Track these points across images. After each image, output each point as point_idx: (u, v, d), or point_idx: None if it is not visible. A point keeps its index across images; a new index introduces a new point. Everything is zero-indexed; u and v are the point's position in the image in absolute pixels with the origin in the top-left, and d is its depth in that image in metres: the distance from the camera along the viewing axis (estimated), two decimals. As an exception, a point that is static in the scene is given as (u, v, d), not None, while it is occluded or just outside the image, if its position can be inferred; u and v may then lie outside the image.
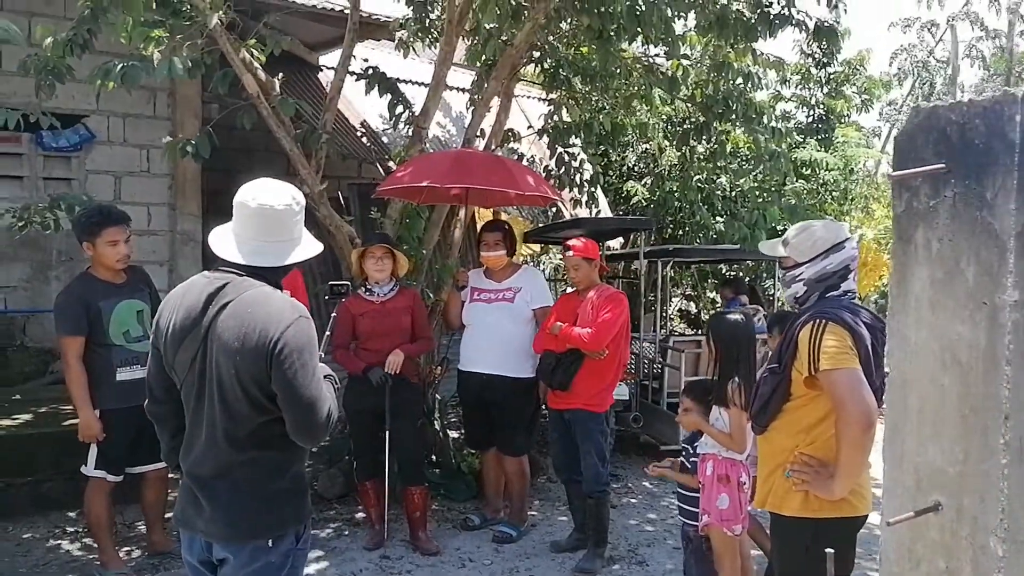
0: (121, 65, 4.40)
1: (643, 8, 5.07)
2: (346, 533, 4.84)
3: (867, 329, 2.57)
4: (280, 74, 5.43)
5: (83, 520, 4.44)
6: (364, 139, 8.72)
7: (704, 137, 6.21)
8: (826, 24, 5.44)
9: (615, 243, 10.07)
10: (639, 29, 5.28)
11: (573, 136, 6.70)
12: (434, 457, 5.59)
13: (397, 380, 4.44)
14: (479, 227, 5.77)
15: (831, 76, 14.85)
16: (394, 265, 4.59)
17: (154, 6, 4.59)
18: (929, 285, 1.28)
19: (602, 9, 5.08)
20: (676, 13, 5.47)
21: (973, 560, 1.28)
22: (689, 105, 6.25)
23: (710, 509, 3.57)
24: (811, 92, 15.31)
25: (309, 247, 2.35)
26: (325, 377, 2.28)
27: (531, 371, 4.74)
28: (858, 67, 15.32)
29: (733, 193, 8.25)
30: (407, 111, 5.89)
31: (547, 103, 7.06)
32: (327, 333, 2.89)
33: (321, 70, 9.24)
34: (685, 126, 6.36)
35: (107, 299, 4.03)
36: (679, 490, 3.85)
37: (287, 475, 2.30)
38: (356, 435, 4.75)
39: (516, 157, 6.63)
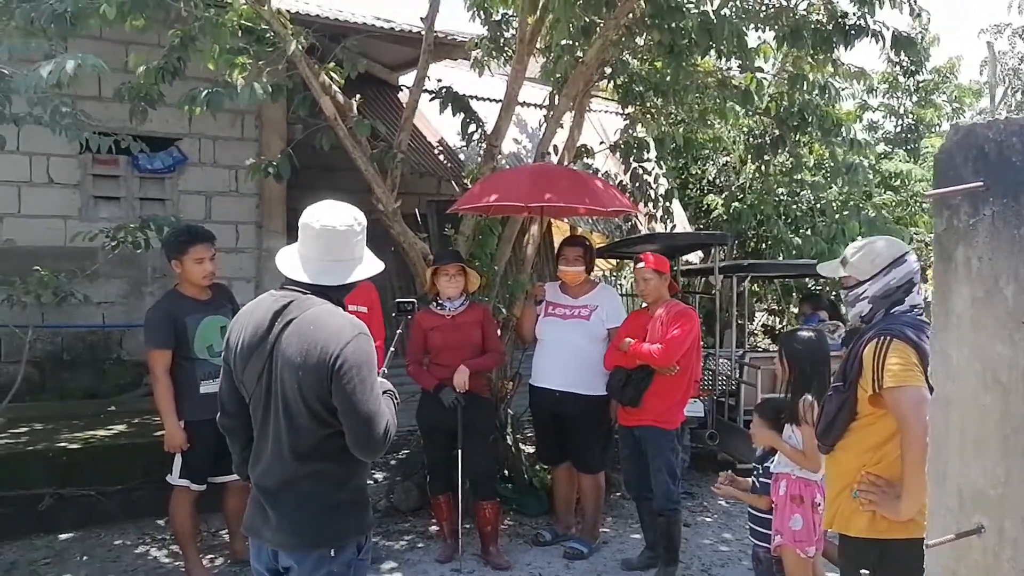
0: (206, 91, 4.65)
1: (714, 22, 5.05)
2: (420, 546, 4.91)
3: None
4: (358, 95, 5.63)
5: (170, 528, 4.65)
6: (441, 156, 8.91)
7: (781, 150, 6.10)
8: (904, 35, 5.30)
9: (694, 258, 9.98)
10: (711, 43, 5.26)
11: (647, 151, 6.70)
12: (506, 472, 5.64)
13: (468, 398, 4.50)
14: (556, 242, 5.81)
15: (920, 84, 14.33)
16: (466, 281, 4.68)
17: (239, 33, 4.82)
18: (970, 304, 1.25)
19: (673, 24, 5.09)
20: (749, 26, 5.42)
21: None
22: (764, 118, 6.16)
23: (783, 530, 3.50)
24: (899, 101, 14.83)
25: (371, 265, 2.44)
26: (384, 392, 2.36)
27: (604, 388, 4.72)
28: (948, 75, 14.74)
29: (815, 207, 8.05)
30: (479, 129, 6.00)
31: (623, 117, 7.09)
32: (391, 349, 2.98)
33: (401, 90, 9.50)
34: (761, 140, 6.24)
35: (193, 315, 4.23)
36: (750, 510, 3.78)
37: (348, 487, 2.38)
38: (429, 451, 4.83)
39: (591, 172, 6.67)
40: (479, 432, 4.63)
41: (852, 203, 5.75)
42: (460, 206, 5.02)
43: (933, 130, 14.65)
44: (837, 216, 5.73)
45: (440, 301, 4.68)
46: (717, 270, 6.55)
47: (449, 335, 4.61)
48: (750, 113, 6.17)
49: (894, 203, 12.77)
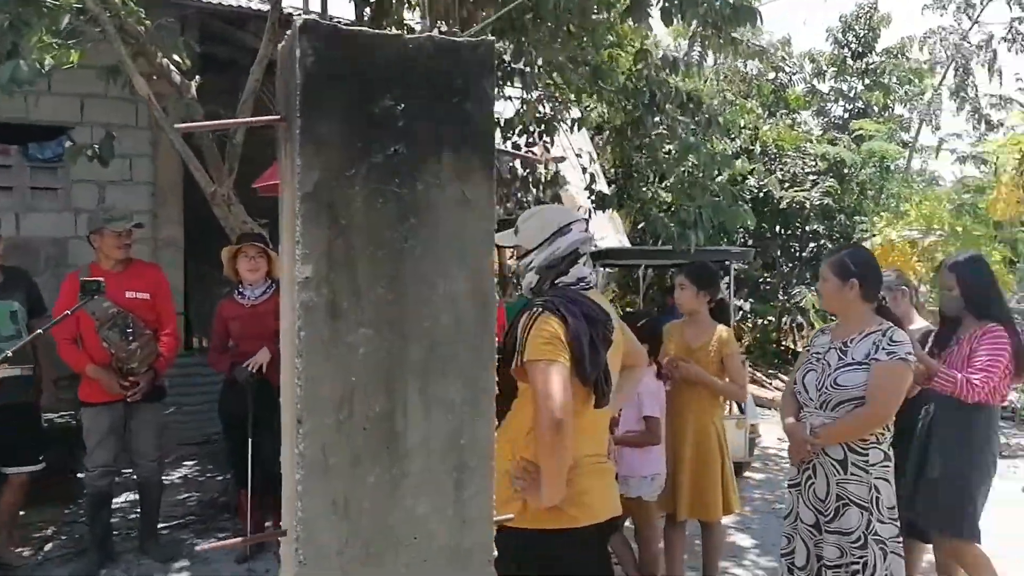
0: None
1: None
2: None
3: (587, 320, 2.34)
4: (198, 77, 5.51)
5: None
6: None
7: (642, 131, 5.91)
8: (744, 3, 5.03)
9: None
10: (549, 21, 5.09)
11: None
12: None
13: (262, 384, 4.36)
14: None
15: (868, 67, 14.06)
16: (269, 265, 4.54)
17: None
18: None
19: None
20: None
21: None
22: (622, 98, 5.97)
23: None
24: (849, 84, 14.56)
25: None
26: None
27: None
28: (898, 56, 14.45)
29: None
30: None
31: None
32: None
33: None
34: (623, 122, 6.05)
35: (-20, 299, 4.15)
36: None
37: None
38: (228, 442, 4.67)
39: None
40: (272, 422, 4.47)
41: (698, 185, 5.55)
42: (258, 183, 4.86)
43: (884, 113, 14.38)
44: (696, 200, 5.53)
45: (241, 289, 4.53)
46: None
47: (248, 325, 4.44)
48: (610, 93, 5.96)
49: (837, 191, 12.57)
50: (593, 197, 6.14)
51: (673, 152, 5.59)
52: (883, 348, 3.04)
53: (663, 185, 6.09)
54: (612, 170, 11.17)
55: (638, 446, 3.84)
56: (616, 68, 5.62)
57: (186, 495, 5.84)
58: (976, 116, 15.29)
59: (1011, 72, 18.77)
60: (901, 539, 3.11)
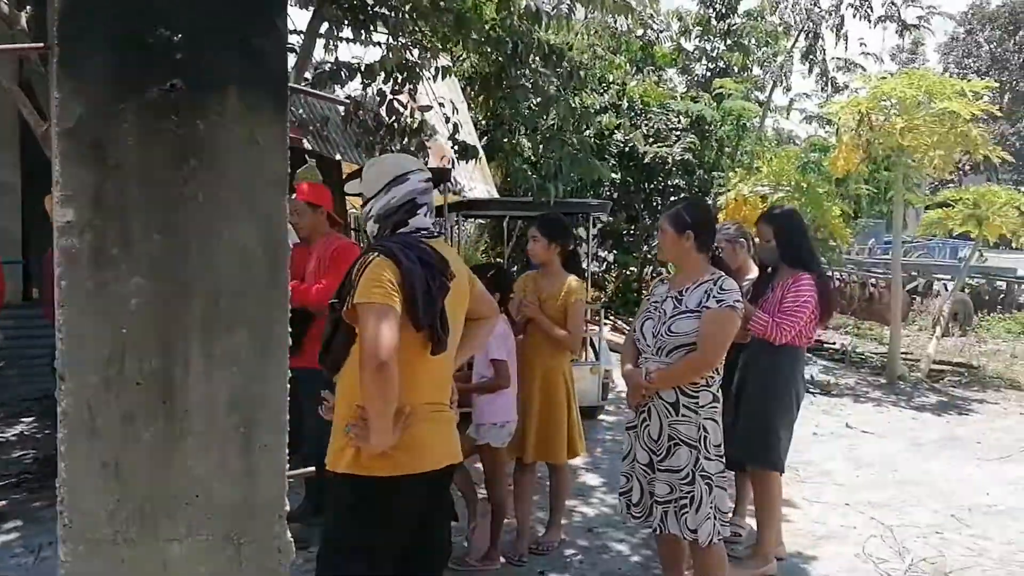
0: None
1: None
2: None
3: (423, 266, 2.31)
4: (29, 8, 5.02)
5: None
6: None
7: (504, 84, 5.86)
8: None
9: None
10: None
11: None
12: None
13: None
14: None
15: (731, 28, 14.55)
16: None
17: None
18: None
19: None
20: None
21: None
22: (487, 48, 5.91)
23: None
24: (712, 44, 15.03)
25: None
26: None
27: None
28: (757, 18, 15.01)
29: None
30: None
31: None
32: None
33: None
34: (487, 72, 5.99)
35: None
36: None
37: None
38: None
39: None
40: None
41: (556, 138, 5.61)
42: None
43: (744, 74, 14.96)
44: (550, 152, 5.58)
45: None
46: (446, 208, 6.32)
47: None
48: (474, 42, 5.87)
49: (697, 147, 13.00)
50: (456, 147, 6.08)
51: (533, 104, 5.57)
52: (713, 296, 3.18)
53: (527, 137, 6.11)
54: (483, 121, 11.11)
55: (490, 391, 3.89)
56: (481, 17, 5.52)
57: (21, 452, 5.52)
58: (824, 78, 16.21)
59: (856, 37, 19.91)
60: (726, 473, 3.31)
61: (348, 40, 6.68)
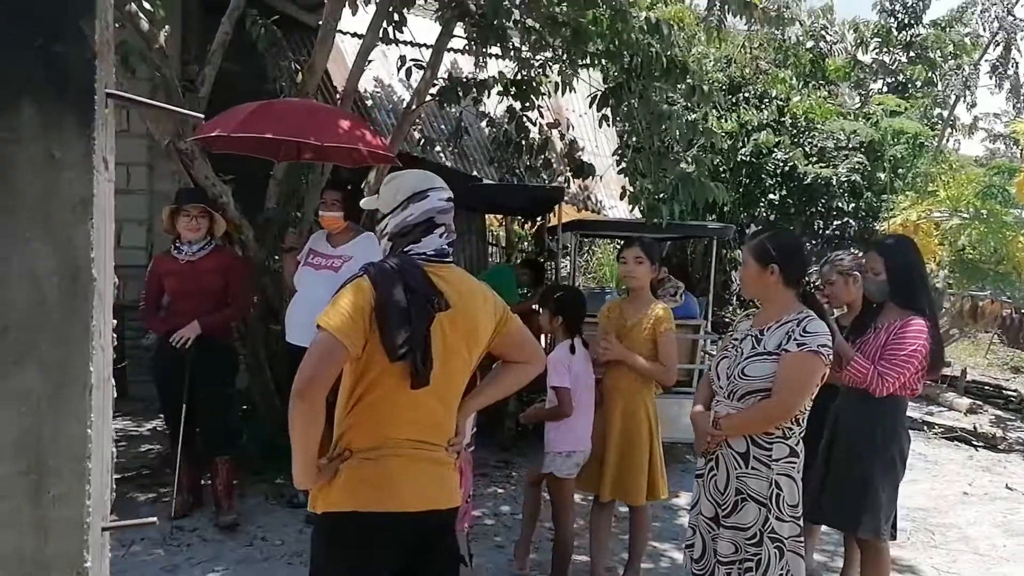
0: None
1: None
2: (166, 500, 4.66)
3: (409, 292, 2.12)
4: (167, 28, 5.40)
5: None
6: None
7: (625, 99, 5.62)
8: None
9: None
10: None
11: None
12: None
13: (201, 344, 4.30)
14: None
15: (913, 39, 13.31)
16: (211, 225, 4.47)
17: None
18: None
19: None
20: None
21: None
22: (605, 62, 5.69)
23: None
24: (893, 56, 13.82)
25: None
26: None
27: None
28: (946, 28, 13.64)
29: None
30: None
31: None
32: None
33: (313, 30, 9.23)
34: (608, 88, 5.77)
35: None
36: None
37: None
38: (162, 402, 4.63)
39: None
40: (212, 382, 4.41)
41: (667, 156, 5.29)
42: (196, 137, 4.66)
43: (928, 88, 13.66)
44: (661, 171, 5.27)
45: (179, 244, 4.47)
46: (560, 228, 6.13)
47: (184, 280, 4.38)
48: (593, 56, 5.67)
49: (867, 168, 12.05)
50: (569, 166, 5.92)
51: (643, 121, 5.30)
52: (794, 339, 2.84)
53: (639, 154, 5.82)
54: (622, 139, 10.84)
55: (553, 419, 3.71)
56: (601, 30, 5.33)
57: (148, 447, 5.88)
58: (1015, 94, 14.45)
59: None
60: (802, 538, 2.93)
61: (484, 54, 6.67)
